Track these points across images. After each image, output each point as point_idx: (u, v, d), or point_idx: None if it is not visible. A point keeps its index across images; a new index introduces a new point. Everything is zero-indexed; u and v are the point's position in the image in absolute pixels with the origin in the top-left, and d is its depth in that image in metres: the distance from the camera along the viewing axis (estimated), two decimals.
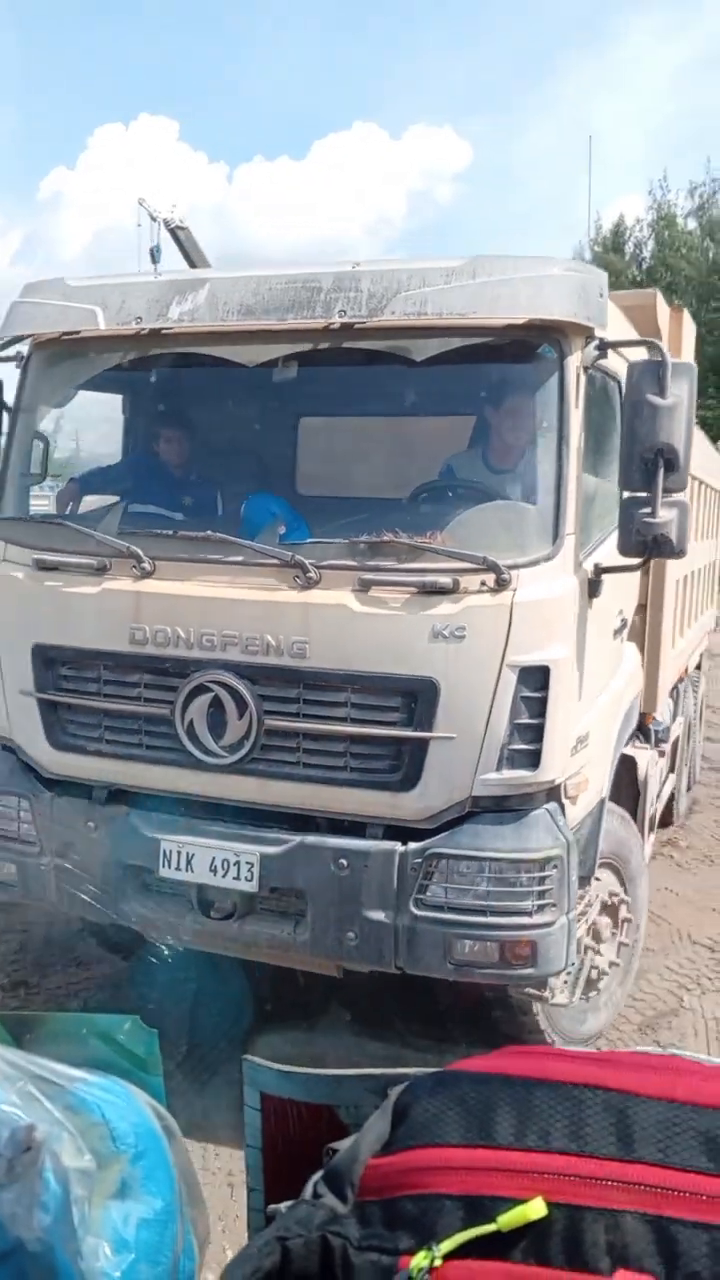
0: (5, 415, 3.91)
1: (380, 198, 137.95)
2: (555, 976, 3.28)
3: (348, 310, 3.17)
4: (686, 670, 6.73)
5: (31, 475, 3.98)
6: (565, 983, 3.44)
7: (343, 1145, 0.75)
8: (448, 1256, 0.59)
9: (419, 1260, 0.60)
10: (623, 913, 4.08)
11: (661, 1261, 0.57)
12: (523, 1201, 0.59)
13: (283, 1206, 0.78)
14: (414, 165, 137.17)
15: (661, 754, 5.48)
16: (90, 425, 4.71)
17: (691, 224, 41.76)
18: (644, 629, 4.72)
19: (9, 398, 3.91)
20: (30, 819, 3.64)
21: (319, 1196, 0.75)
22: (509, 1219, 0.58)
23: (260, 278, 3.37)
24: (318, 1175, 0.77)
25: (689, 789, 7.37)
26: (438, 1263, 0.59)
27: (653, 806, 5.34)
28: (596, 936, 3.90)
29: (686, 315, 5.48)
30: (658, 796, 5.66)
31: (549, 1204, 0.59)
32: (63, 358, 3.81)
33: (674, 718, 5.98)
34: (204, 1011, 4.11)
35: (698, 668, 7.82)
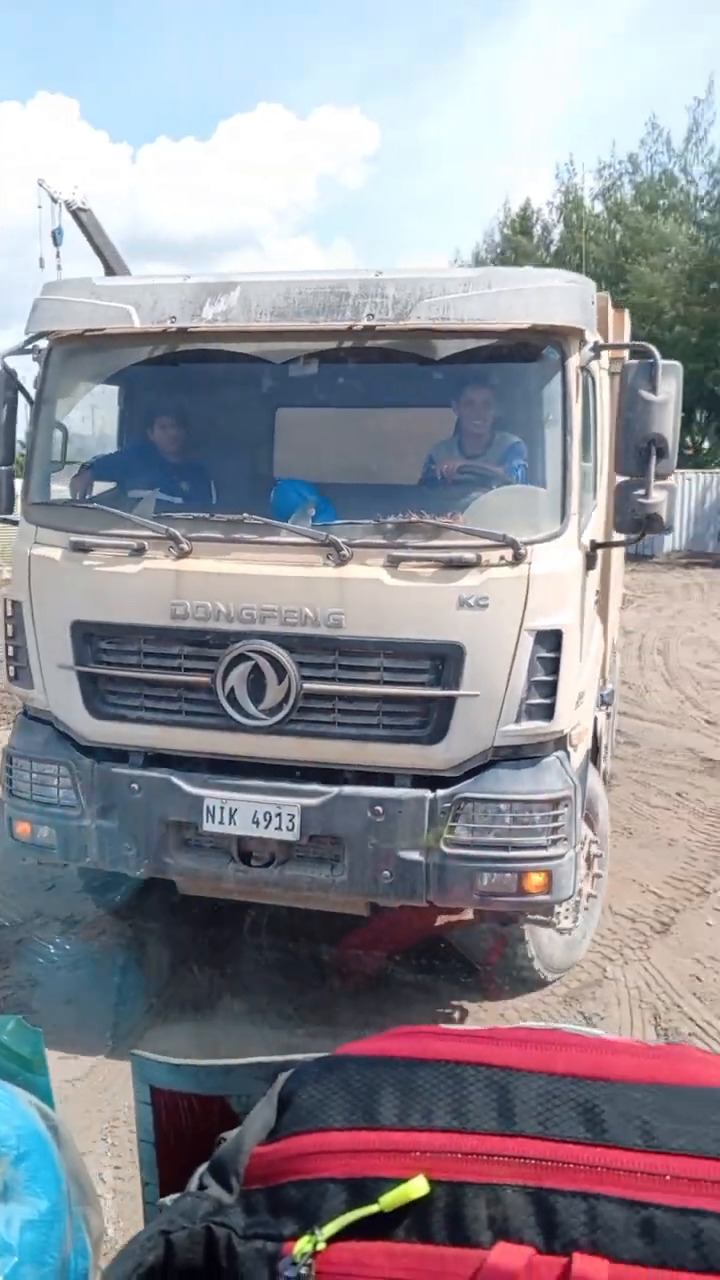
0: (29, 406, 4.14)
1: (290, 180, 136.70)
2: (562, 904, 3.71)
3: (375, 314, 3.52)
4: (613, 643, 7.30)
5: (53, 463, 4.22)
6: (568, 910, 3.88)
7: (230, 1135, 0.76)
8: (331, 1240, 0.59)
9: (302, 1245, 0.60)
10: (594, 850, 4.55)
11: (540, 1232, 0.58)
12: (405, 1181, 0.59)
13: (168, 1200, 0.78)
14: (322, 148, 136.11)
15: (609, 716, 6.01)
16: (100, 414, 4.94)
17: (599, 207, 42.52)
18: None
19: (31, 390, 4.14)
20: (70, 784, 3.90)
21: (204, 1188, 0.75)
22: (391, 1199, 0.59)
23: (290, 282, 3.68)
24: (203, 1167, 0.78)
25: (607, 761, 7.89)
26: (321, 1246, 0.59)
27: (606, 763, 5.87)
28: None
29: (626, 314, 5.99)
30: (610, 754, 6.21)
31: (431, 1181, 0.59)
32: (86, 353, 4.05)
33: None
34: (94, 1010, 4.23)
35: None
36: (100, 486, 4.46)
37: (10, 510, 4.19)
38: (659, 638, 13.32)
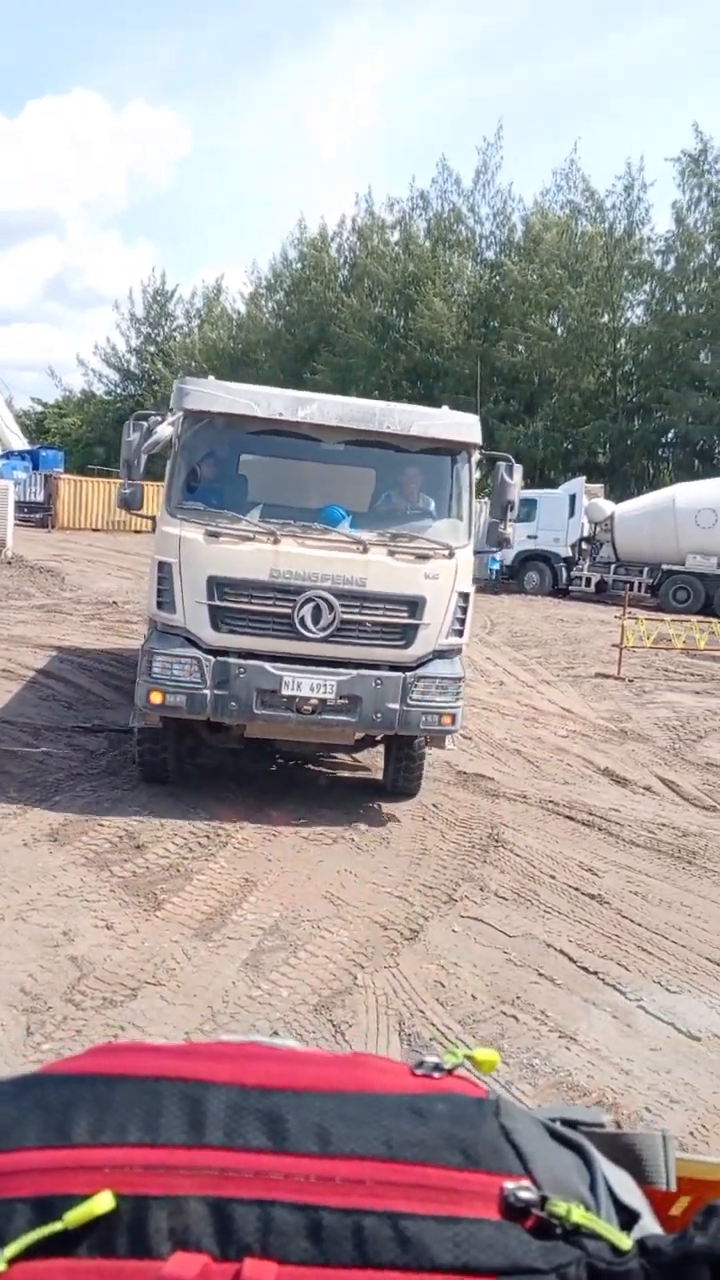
0: (172, 457, 7.22)
1: (100, 172, 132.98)
2: (455, 734, 7.39)
3: (389, 426, 6.93)
4: None
5: (190, 493, 7.22)
6: (455, 739, 7.57)
7: None
8: (14, 1260, 0.57)
9: None
10: None
11: (217, 1240, 0.58)
12: (91, 1197, 0.58)
13: None
14: (135, 143, 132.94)
15: None
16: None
17: (395, 235, 45.97)
18: None
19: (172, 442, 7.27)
20: (197, 670, 6.70)
21: None
22: (76, 1216, 0.58)
23: (344, 402, 7.15)
24: None
25: None
26: (2, 1267, 0.57)
27: None
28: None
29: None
30: None
31: (117, 1196, 0.59)
32: (206, 425, 7.03)
33: None
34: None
35: None
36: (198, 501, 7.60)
37: (141, 508, 7.37)
38: None
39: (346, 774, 8.55)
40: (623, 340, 39.23)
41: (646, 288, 38.87)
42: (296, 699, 6.70)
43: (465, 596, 7.03)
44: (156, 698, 6.68)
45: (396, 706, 6.81)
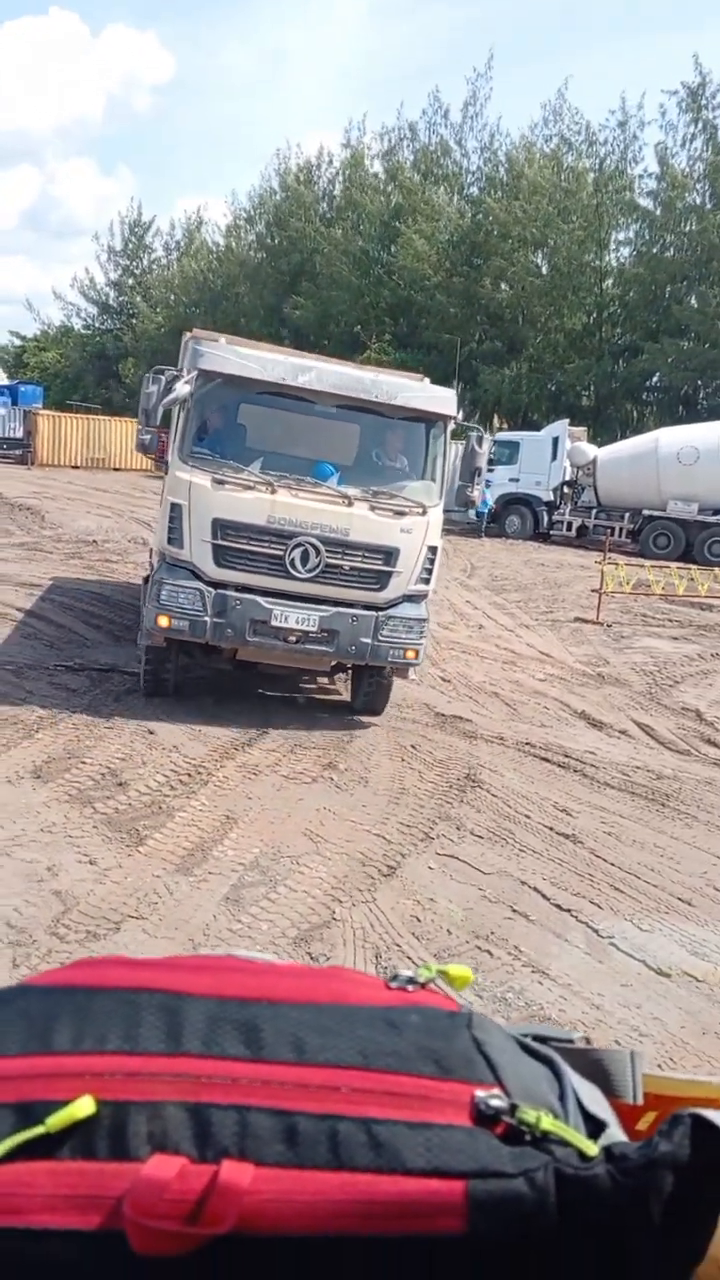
0: (184, 409, 7.48)
1: (76, 96, 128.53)
2: (418, 666, 7.98)
3: (377, 395, 7.46)
4: None
5: (199, 441, 7.62)
6: (417, 670, 8.16)
7: None
8: None
9: None
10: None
11: (195, 1143, 0.60)
12: (72, 1102, 0.60)
13: None
14: (114, 67, 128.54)
15: None
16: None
17: (378, 166, 44.90)
18: None
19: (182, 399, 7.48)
20: (200, 599, 7.47)
21: None
22: (57, 1120, 0.59)
23: (339, 370, 7.61)
24: None
25: None
26: None
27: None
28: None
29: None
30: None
31: (98, 1102, 0.61)
32: (218, 383, 7.50)
33: None
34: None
35: None
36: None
37: (155, 452, 8.02)
38: None
39: (321, 696, 9.19)
40: (609, 281, 38.71)
41: (634, 228, 38.27)
42: (283, 629, 7.54)
43: (434, 550, 7.81)
44: (164, 621, 7.47)
45: (369, 640, 7.63)
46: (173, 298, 51.21)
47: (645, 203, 37.70)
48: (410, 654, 7.76)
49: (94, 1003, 0.68)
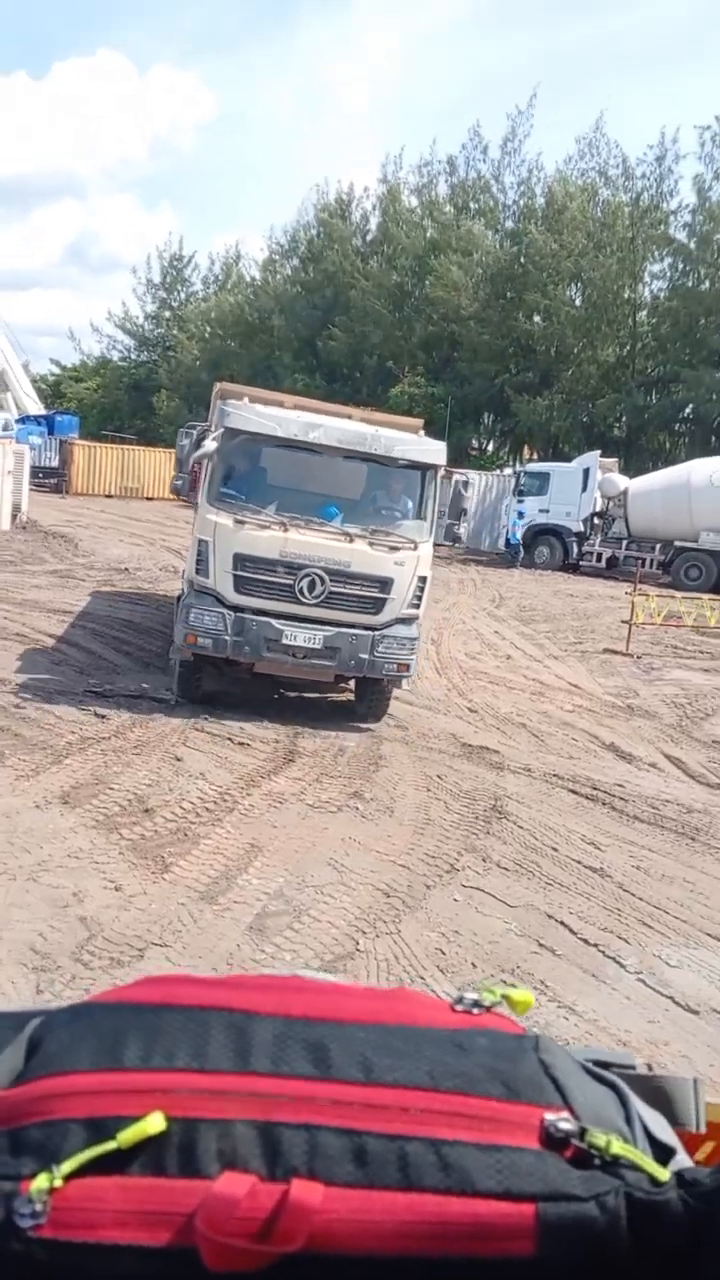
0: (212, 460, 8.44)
1: (121, 136, 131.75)
2: (409, 678, 8.72)
3: (375, 449, 8.45)
4: None
5: (225, 485, 8.53)
6: (409, 680, 8.81)
7: None
8: (69, 1177, 0.60)
9: (40, 1183, 0.60)
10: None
11: (265, 1161, 0.61)
12: (143, 1119, 0.61)
13: None
14: (158, 107, 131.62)
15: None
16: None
17: (414, 201, 45.23)
18: None
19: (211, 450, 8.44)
20: (221, 621, 8.41)
21: None
22: (128, 1135, 0.60)
23: (344, 426, 8.47)
24: None
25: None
26: (58, 1183, 0.59)
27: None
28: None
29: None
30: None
31: (168, 1119, 0.61)
32: (243, 438, 8.39)
33: None
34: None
35: None
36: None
37: (183, 495, 9.19)
38: (433, 629, 13.91)
39: (335, 697, 10.00)
40: (643, 313, 38.74)
41: (668, 261, 38.31)
42: (293, 647, 8.57)
43: (424, 579, 8.86)
44: (191, 639, 8.55)
45: (366, 656, 8.65)
46: (209, 331, 51.87)
47: (680, 235, 37.77)
48: (402, 668, 8.84)
49: (163, 1020, 0.69)
